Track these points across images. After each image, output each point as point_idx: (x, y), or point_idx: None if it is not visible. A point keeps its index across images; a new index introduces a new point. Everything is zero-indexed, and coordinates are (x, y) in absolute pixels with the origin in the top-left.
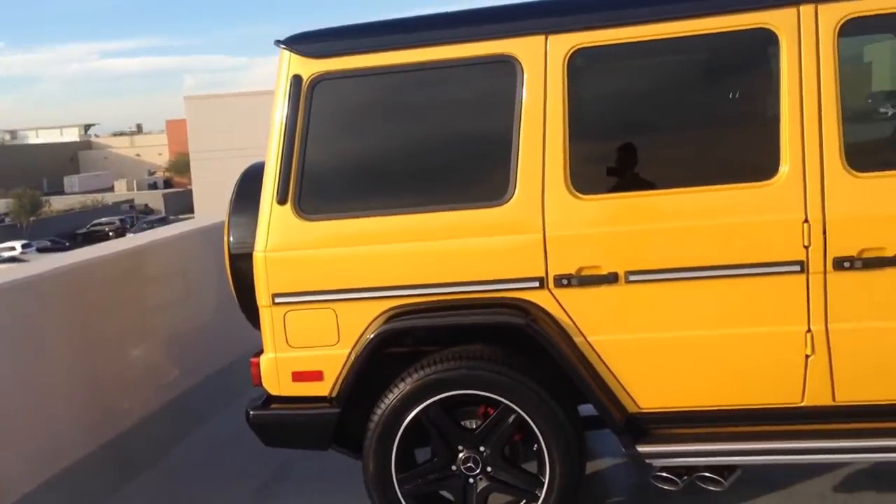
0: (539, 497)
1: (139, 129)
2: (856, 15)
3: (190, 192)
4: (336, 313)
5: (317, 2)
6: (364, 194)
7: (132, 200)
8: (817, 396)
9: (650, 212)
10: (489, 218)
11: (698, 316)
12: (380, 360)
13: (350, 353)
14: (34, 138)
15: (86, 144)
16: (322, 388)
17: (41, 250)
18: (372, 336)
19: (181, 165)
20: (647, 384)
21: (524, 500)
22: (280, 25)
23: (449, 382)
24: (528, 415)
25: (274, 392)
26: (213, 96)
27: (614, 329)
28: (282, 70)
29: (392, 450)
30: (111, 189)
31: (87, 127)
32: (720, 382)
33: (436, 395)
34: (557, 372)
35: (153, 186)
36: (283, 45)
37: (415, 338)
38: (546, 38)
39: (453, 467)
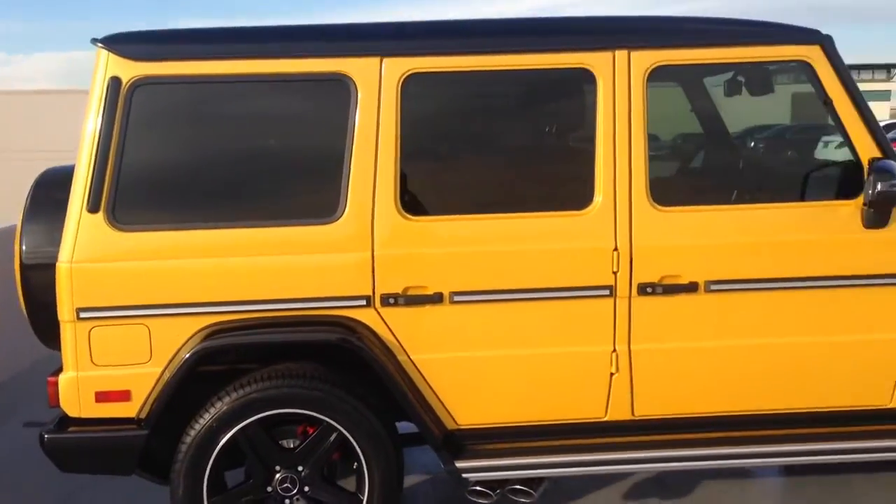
0: None
1: None
2: (664, 63)
3: None
4: (149, 329)
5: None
6: (186, 207)
7: None
8: (619, 412)
9: (475, 235)
10: (318, 235)
11: (516, 336)
12: (190, 379)
13: (163, 371)
14: None
15: None
16: (129, 409)
17: None
18: (190, 353)
19: None
20: (466, 401)
21: None
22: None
23: (271, 401)
24: (349, 433)
25: (73, 413)
26: None
27: (437, 348)
28: (98, 70)
29: (205, 472)
30: None
31: None
32: (533, 399)
33: (256, 414)
34: (378, 390)
35: None
36: (101, 45)
37: (233, 356)
38: (381, 61)
39: (269, 488)
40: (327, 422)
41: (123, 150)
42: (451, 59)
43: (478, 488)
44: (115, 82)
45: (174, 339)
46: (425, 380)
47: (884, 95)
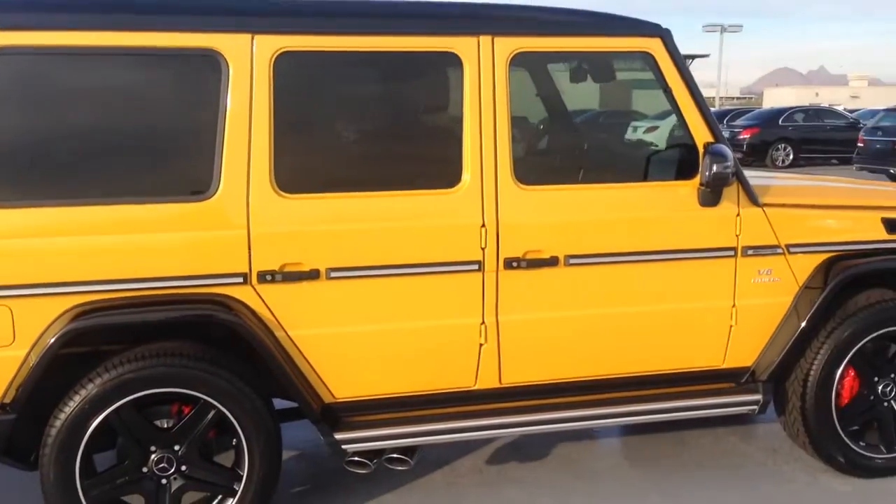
0: (237, 491)
1: None
2: (524, 49)
3: None
4: (11, 311)
5: None
6: (49, 181)
7: None
8: (487, 380)
9: (349, 212)
10: (191, 212)
11: (390, 310)
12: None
13: (28, 353)
14: None
15: None
16: None
17: None
18: (60, 333)
19: None
20: (342, 375)
21: (220, 496)
22: None
23: (146, 380)
24: (228, 410)
25: None
26: None
27: (314, 323)
28: None
29: (77, 456)
30: None
31: None
32: (407, 371)
33: (131, 395)
34: (255, 367)
35: None
36: None
37: (100, 338)
38: (252, 38)
39: (144, 469)
40: (205, 400)
41: None
42: (322, 38)
43: (356, 459)
44: None
45: (39, 321)
46: (303, 355)
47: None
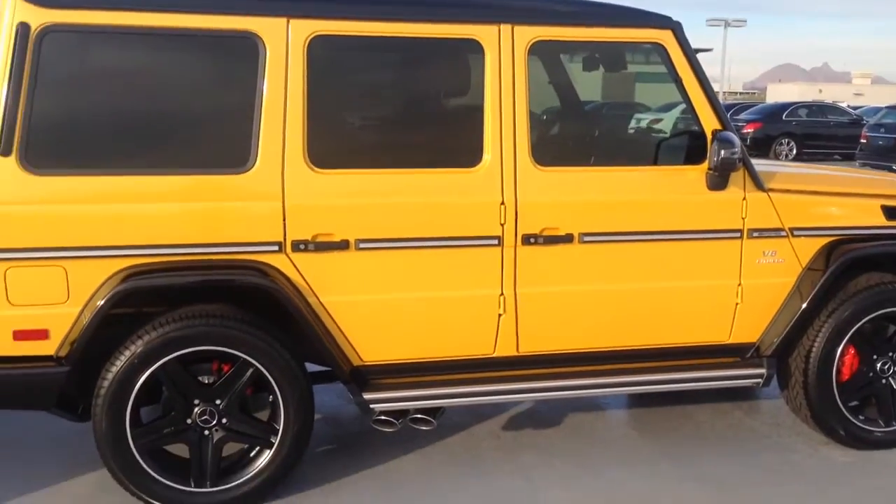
0: (274, 443)
1: None
2: (543, 37)
3: None
4: (66, 271)
5: None
6: (102, 152)
7: None
8: (505, 348)
9: (378, 188)
10: (231, 184)
11: (414, 280)
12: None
13: (82, 311)
14: None
15: None
16: (47, 347)
17: None
18: (112, 293)
19: None
20: (370, 340)
21: (258, 448)
22: None
23: (191, 339)
24: (264, 367)
25: None
26: None
27: (343, 290)
28: (5, 15)
29: (127, 407)
30: None
31: None
32: (430, 338)
33: (176, 351)
34: (287, 330)
35: None
36: None
37: (141, 299)
38: (288, 21)
39: (188, 421)
40: (244, 358)
41: (34, 96)
42: (353, 23)
43: (383, 418)
44: (23, 28)
45: (91, 281)
46: (333, 320)
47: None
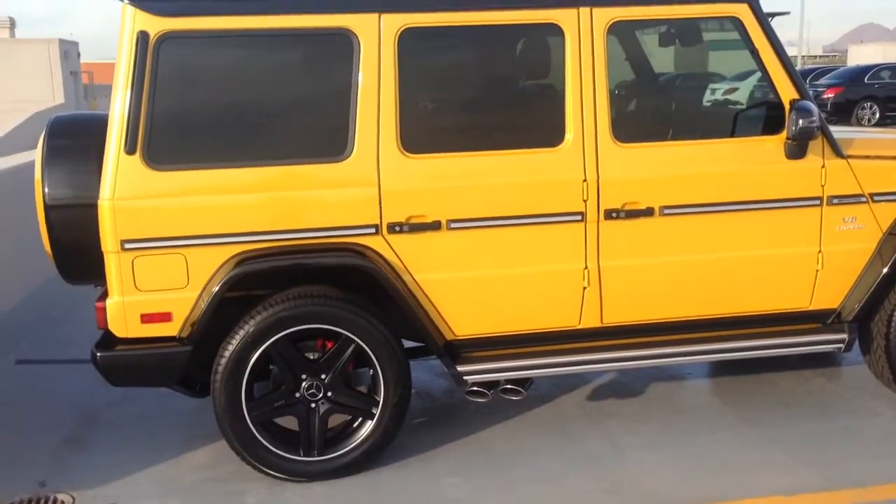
0: (375, 414)
1: None
2: (620, 18)
3: None
4: (186, 258)
5: None
6: (214, 147)
7: None
8: (590, 320)
9: (467, 170)
10: (331, 172)
11: (502, 257)
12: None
13: (200, 294)
14: None
15: None
16: (171, 329)
17: None
18: (227, 277)
19: None
20: (461, 315)
21: (360, 419)
22: None
23: (300, 317)
24: (366, 344)
25: (121, 334)
26: None
27: (436, 268)
28: (126, 25)
29: (243, 381)
30: None
31: None
32: (518, 312)
33: (286, 329)
34: (383, 309)
35: None
36: (126, 1)
37: (251, 282)
38: (380, 16)
39: (297, 394)
40: (347, 335)
41: (154, 98)
42: (440, 14)
43: (475, 389)
44: (143, 36)
45: (208, 266)
46: (427, 297)
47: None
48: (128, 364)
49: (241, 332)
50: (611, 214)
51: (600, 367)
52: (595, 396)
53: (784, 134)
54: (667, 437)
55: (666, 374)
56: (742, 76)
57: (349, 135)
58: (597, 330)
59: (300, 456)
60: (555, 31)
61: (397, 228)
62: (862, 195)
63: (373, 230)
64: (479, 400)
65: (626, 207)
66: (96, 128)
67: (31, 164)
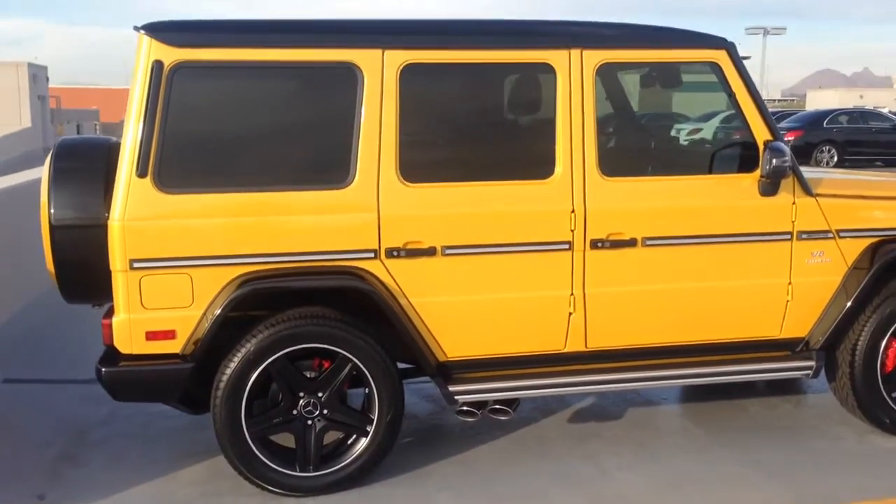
0: (370, 431)
1: None
2: (609, 60)
3: None
4: (191, 278)
5: None
6: (223, 172)
7: None
8: (575, 344)
9: (462, 199)
10: (332, 199)
11: (493, 282)
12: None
13: (204, 313)
14: None
15: None
16: (174, 346)
17: None
18: (232, 297)
19: None
20: (454, 337)
21: (355, 436)
22: None
23: (299, 337)
24: (363, 364)
25: (126, 350)
26: None
27: (431, 292)
28: (141, 54)
29: (243, 398)
30: None
31: None
32: (507, 335)
33: (287, 348)
34: (379, 330)
35: None
36: (143, 31)
37: (251, 303)
38: (383, 52)
39: (294, 411)
40: (344, 354)
41: (166, 123)
42: (440, 52)
43: (465, 408)
44: (157, 65)
45: (213, 286)
46: (422, 319)
47: None
48: (131, 380)
49: (243, 351)
50: (596, 244)
51: (584, 390)
52: (576, 419)
53: (758, 172)
54: (645, 458)
55: (643, 398)
56: (705, 117)
57: (351, 163)
58: (581, 354)
59: (296, 471)
60: (547, 70)
61: (395, 253)
62: (829, 231)
63: (371, 254)
64: (469, 419)
65: (611, 238)
66: (100, 152)
67: (18, 186)
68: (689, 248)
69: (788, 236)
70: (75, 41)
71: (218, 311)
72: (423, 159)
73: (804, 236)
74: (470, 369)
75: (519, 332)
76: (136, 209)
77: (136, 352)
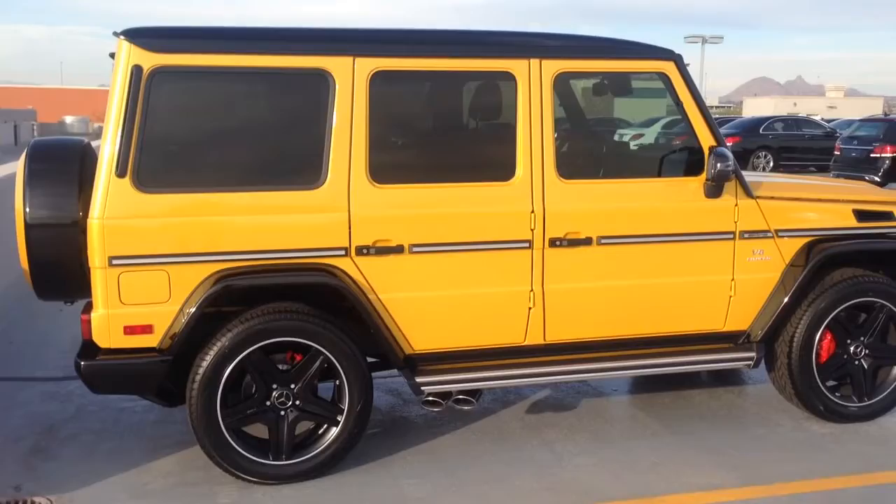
0: (340, 421)
1: None
2: (566, 70)
3: None
4: (168, 274)
5: None
6: (200, 173)
7: None
8: (534, 337)
9: (428, 199)
10: (305, 199)
11: (457, 279)
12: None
13: (181, 308)
14: None
15: None
16: (151, 341)
17: None
18: (208, 293)
19: None
20: (420, 331)
21: (325, 426)
22: None
23: (273, 331)
24: (334, 356)
25: (104, 345)
26: None
27: (399, 288)
28: (121, 59)
29: (218, 391)
30: None
31: None
32: (470, 329)
33: (261, 342)
34: (349, 325)
35: None
36: (123, 37)
37: (226, 298)
38: (354, 60)
39: (267, 402)
40: (316, 347)
41: (145, 125)
42: (409, 60)
43: (431, 399)
44: (136, 69)
45: (189, 283)
46: (389, 314)
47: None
48: (110, 373)
49: (219, 344)
50: (555, 243)
51: (543, 381)
52: (533, 410)
53: (704, 176)
54: (599, 444)
55: (596, 390)
56: (646, 123)
57: (323, 165)
58: (540, 346)
59: (270, 460)
60: (509, 78)
61: (365, 251)
62: (769, 231)
63: (342, 252)
64: (434, 409)
65: (569, 237)
66: (73, 152)
67: None
68: (641, 246)
69: (731, 236)
70: (9, 39)
71: (194, 307)
72: (391, 161)
73: (746, 236)
74: (435, 361)
75: (482, 326)
76: (115, 208)
77: (114, 346)
